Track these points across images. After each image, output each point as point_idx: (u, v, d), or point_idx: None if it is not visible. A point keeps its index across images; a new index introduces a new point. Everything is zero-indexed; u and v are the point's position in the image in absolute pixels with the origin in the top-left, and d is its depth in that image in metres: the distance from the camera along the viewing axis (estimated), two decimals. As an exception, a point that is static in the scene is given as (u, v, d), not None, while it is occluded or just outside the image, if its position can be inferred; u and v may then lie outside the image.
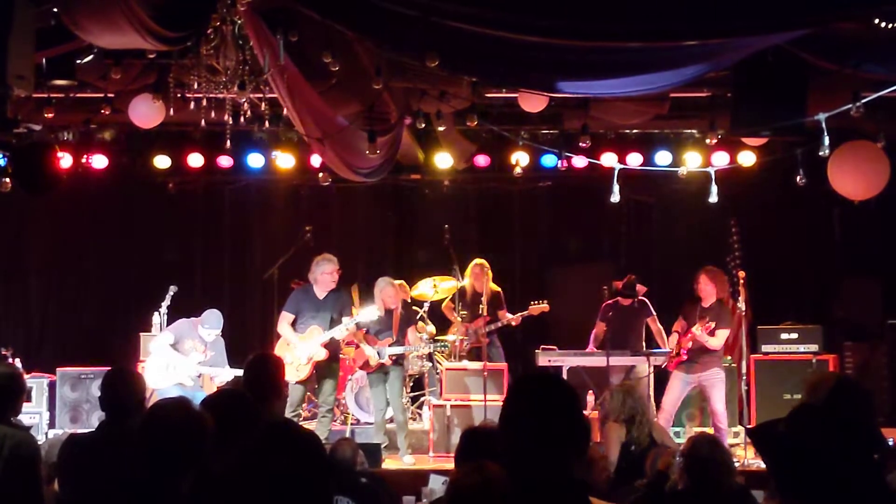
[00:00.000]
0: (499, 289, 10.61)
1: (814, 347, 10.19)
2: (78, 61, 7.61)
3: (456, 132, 10.68)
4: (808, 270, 11.73)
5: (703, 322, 8.92)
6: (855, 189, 8.87)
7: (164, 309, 10.46)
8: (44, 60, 7.24)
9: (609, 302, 10.07)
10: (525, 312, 10.57)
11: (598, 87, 7.85)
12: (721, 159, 10.36)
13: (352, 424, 10.27)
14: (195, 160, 11.53)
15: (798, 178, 8.52)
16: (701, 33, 6.35)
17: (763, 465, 3.61)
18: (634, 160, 10.80)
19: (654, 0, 6.15)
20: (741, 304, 9.16)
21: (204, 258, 12.50)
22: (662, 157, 10.97)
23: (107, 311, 12.23)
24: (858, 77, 7.32)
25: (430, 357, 10.64)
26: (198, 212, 12.49)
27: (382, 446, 9.10)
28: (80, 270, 12.48)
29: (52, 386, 10.37)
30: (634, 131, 10.98)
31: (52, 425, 10.27)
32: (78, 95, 8.85)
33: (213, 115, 7.27)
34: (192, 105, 7.34)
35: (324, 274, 9.06)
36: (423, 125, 9.30)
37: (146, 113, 8.90)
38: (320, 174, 9.33)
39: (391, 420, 9.48)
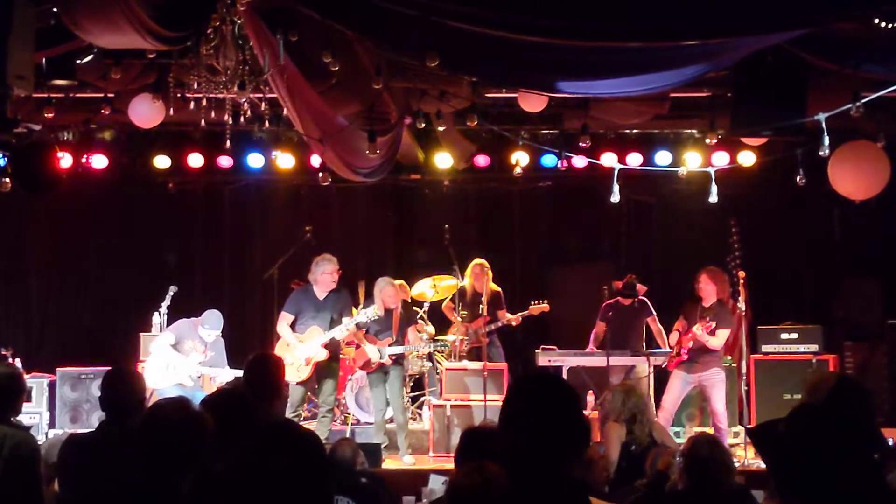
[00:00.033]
0: (499, 289, 10.61)
1: (814, 347, 10.18)
2: (78, 61, 7.62)
3: (456, 132, 10.68)
4: (808, 270, 11.73)
5: (703, 322, 8.92)
6: (855, 189, 8.87)
7: (164, 309, 10.47)
8: (44, 60, 7.25)
9: (609, 302, 10.07)
10: (525, 312, 10.57)
11: (598, 87, 7.86)
12: (721, 159, 10.36)
13: (352, 424, 10.27)
14: (195, 160, 11.53)
15: (798, 178, 8.51)
16: (701, 33, 6.36)
17: (763, 465, 3.61)
18: (634, 160, 10.80)
19: (654, 0, 6.15)
20: (741, 304, 9.15)
21: (204, 258, 12.50)
22: (662, 157, 10.97)
23: (107, 311, 12.23)
24: (858, 77, 7.32)
25: (430, 357, 10.64)
26: (198, 212, 12.49)
27: (382, 446, 9.10)
28: (80, 270, 12.48)
29: (52, 386, 10.37)
30: (634, 131, 10.98)
31: (52, 425, 10.26)
32: (78, 95, 8.85)
33: (213, 115, 7.26)
34: (192, 105, 7.33)
35: (324, 274, 9.06)
36: (423, 125, 9.31)
37: (146, 113, 8.90)
38: (320, 174, 9.32)
39: (391, 420, 9.47)
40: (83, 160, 11.12)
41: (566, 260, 12.26)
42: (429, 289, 11.02)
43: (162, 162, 11.56)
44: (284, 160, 11.23)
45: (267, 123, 8.05)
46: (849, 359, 10.72)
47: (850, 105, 7.26)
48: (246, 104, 7.23)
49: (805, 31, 6.51)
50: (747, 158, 10.49)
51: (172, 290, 10.54)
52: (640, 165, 10.73)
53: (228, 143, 8.57)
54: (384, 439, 9.32)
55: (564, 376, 9.41)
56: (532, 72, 7.42)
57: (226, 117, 7.52)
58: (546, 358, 10.00)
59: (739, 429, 9.58)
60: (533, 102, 8.80)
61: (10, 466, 4.33)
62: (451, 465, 5.81)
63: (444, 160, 11.26)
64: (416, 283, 11.10)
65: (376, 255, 12.43)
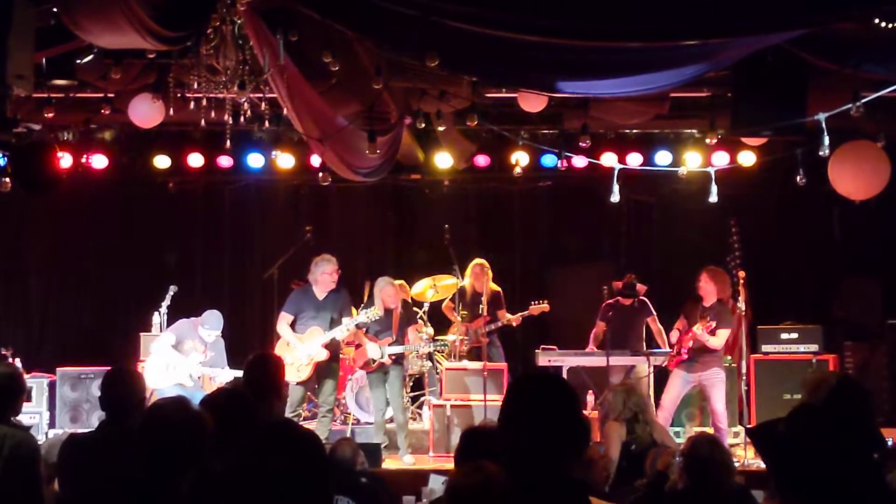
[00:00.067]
0: (499, 289, 10.61)
1: (814, 347, 10.18)
2: (78, 61, 7.62)
3: (456, 132, 10.68)
4: (808, 270, 11.73)
5: (703, 321, 8.92)
6: (855, 189, 8.87)
7: (164, 309, 10.48)
8: (44, 60, 7.25)
9: (609, 302, 10.07)
10: (525, 312, 10.57)
11: (598, 87, 7.85)
12: (721, 159, 10.36)
13: (352, 424, 10.27)
14: (195, 160, 11.53)
15: (798, 178, 8.52)
16: (701, 33, 6.36)
17: (763, 465, 3.61)
18: (634, 160, 10.81)
19: (654, 0, 6.15)
20: (741, 304, 9.15)
21: (204, 258, 12.49)
22: (662, 157, 10.97)
23: (107, 311, 12.23)
24: (858, 77, 7.32)
25: (430, 357, 10.64)
26: (198, 212, 12.48)
27: (382, 446, 9.10)
28: (80, 270, 12.48)
29: (52, 386, 10.37)
30: (634, 131, 10.98)
31: (52, 425, 10.26)
32: (78, 95, 8.85)
33: (213, 114, 7.26)
34: (192, 105, 7.33)
35: (323, 274, 9.06)
36: (423, 125, 9.30)
37: (146, 113, 8.90)
38: (320, 174, 9.32)
39: (391, 420, 9.47)
40: (83, 160, 11.12)
41: (566, 260, 12.26)
42: (429, 289, 11.02)
43: (162, 162, 11.56)
44: (284, 160, 11.23)
45: (267, 123, 8.05)
46: (849, 359, 10.72)
47: (850, 105, 7.26)
48: (246, 104, 7.23)
49: (805, 31, 6.51)
50: (747, 158, 10.49)
51: (172, 290, 10.55)
52: (640, 165, 10.73)
53: (228, 143, 8.57)
54: (384, 439, 9.32)
55: (564, 376, 9.41)
56: (532, 72, 7.42)
57: (226, 117, 7.52)
58: (546, 358, 10.00)
59: (739, 429, 9.58)
60: (533, 102, 8.80)
61: (10, 466, 4.33)
62: (451, 465, 5.81)
63: (444, 160, 11.26)
64: (416, 283, 11.10)
65: (376, 255, 12.43)
